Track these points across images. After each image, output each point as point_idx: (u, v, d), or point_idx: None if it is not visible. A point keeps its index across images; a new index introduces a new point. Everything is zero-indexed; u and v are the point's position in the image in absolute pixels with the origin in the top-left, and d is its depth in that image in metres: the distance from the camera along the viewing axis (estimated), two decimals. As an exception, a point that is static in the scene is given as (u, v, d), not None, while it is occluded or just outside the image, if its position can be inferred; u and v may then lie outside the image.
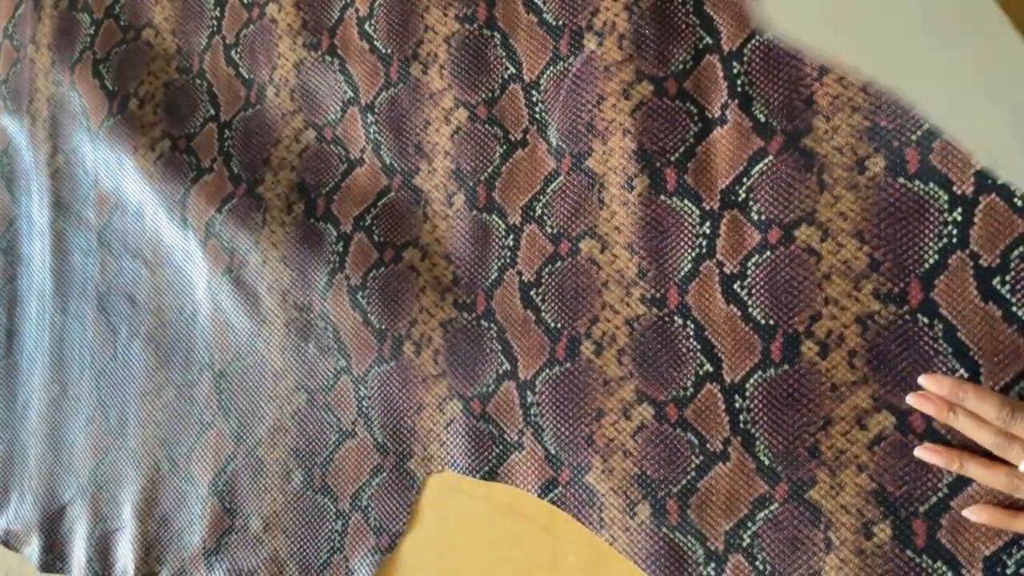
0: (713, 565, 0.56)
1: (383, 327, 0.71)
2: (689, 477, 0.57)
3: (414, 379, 0.69)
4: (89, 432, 0.91)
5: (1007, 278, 0.49)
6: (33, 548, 0.93)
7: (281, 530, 0.75)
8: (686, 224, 0.58)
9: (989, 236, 0.49)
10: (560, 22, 0.64)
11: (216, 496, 0.80)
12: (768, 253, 0.55)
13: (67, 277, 0.95)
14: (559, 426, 0.62)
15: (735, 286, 0.56)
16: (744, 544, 0.55)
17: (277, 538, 0.76)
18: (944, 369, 0.50)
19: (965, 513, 0.49)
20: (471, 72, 0.68)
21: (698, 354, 0.58)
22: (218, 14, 0.84)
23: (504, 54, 0.67)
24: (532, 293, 0.64)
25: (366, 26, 0.74)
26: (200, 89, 0.85)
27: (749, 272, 0.56)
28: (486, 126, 0.68)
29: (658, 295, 0.59)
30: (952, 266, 0.50)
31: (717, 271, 0.57)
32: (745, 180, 0.57)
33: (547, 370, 0.63)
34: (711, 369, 0.57)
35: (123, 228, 0.90)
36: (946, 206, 0.50)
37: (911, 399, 0.50)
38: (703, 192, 0.58)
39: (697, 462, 0.57)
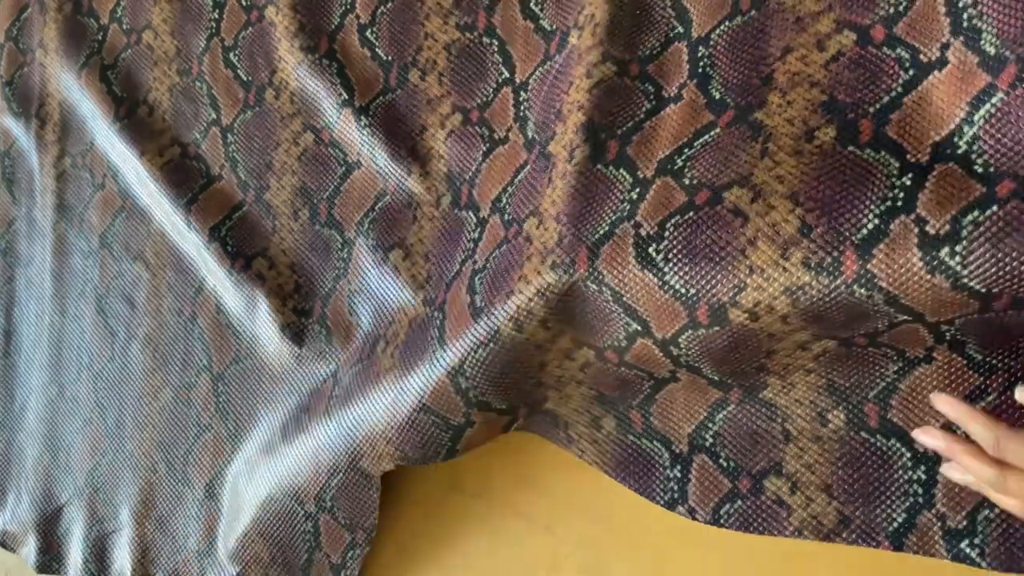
0: (679, 467, 0.58)
1: (372, 330, 0.71)
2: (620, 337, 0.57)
3: (374, 374, 0.68)
4: (86, 433, 0.91)
5: (957, 248, 0.44)
6: (30, 549, 0.93)
7: (259, 534, 0.76)
8: (616, 190, 0.56)
9: (939, 201, 0.45)
10: (554, 26, 0.64)
11: (213, 499, 0.80)
12: (691, 214, 0.52)
13: (66, 279, 0.94)
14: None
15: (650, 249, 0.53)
16: (707, 444, 0.57)
17: (256, 544, 0.76)
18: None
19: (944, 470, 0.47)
20: (470, 79, 0.69)
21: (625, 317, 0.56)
22: (217, 16, 0.84)
23: (500, 60, 0.68)
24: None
25: (367, 33, 0.74)
26: (200, 92, 0.85)
27: (667, 235, 0.53)
28: (475, 128, 0.68)
29: (568, 259, 0.56)
30: (894, 232, 0.46)
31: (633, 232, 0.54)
32: (687, 151, 0.54)
33: (479, 353, 0.62)
34: (639, 327, 0.55)
35: (127, 231, 0.90)
36: (896, 172, 0.47)
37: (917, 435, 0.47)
38: (640, 161, 0.56)
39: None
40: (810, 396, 0.54)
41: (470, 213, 0.67)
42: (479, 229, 0.65)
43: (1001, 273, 0.43)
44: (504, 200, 0.63)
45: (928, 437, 0.48)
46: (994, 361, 0.50)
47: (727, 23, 0.55)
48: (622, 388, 0.59)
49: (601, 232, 0.54)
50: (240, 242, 0.79)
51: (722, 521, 0.57)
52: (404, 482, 0.75)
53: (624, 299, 0.54)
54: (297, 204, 0.78)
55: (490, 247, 0.62)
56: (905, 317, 0.48)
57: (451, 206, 0.68)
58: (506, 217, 0.62)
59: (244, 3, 0.82)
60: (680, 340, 0.53)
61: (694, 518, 0.58)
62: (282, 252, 0.77)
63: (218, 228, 0.80)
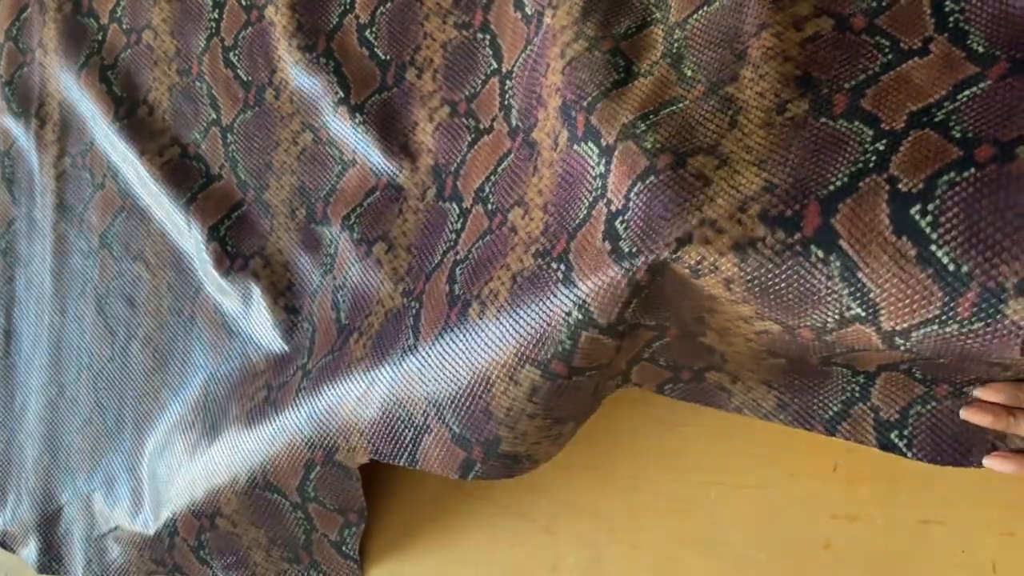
0: (619, 377, 0.59)
1: (347, 323, 0.71)
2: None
3: (344, 365, 0.68)
4: (86, 434, 0.91)
5: (929, 207, 0.43)
6: (31, 549, 0.93)
7: (251, 524, 0.76)
8: (588, 166, 0.54)
9: (914, 162, 0.44)
10: (533, 9, 0.63)
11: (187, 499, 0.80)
12: (652, 178, 0.50)
13: (66, 279, 0.95)
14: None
15: (616, 222, 0.52)
16: (645, 357, 0.57)
17: (250, 531, 0.76)
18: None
19: (987, 462, 0.49)
20: (462, 73, 0.69)
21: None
22: (216, 16, 0.84)
23: (491, 52, 0.67)
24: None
25: (366, 33, 0.74)
26: (200, 92, 0.85)
27: (631, 204, 0.51)
28: (462, 119, 0.68)
29: (549, 246, 0.55)
30: (864, 189, 0.44)
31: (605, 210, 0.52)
32: (651, 117, 0.52)
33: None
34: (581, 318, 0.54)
35: (127, 231, 0.90)
36: (869, 139, 0.46)
37: (965, 413, 0.48)
38: (604, 129, 0.53)
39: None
40: (750, 353, 0.53)
41: (453, 204, 0.66)
42: (462, 220, 0.64)
43: (974, 240, 0.41)
44: (487, 190, 0.62)
45: (1002, 461, 0.48)
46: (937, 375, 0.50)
47: (705, 8, 0.54)
48: (577, 401, 0.58)
49: (581, 216, 0.53)
50: (238, 241, 0.79)
51: (666, 393, 0.58)
52: (404, 482, 0.75)
53: (571, 274, 0.52)
54: (295, 203, 0.78)
55: (473, 237, 0.62)
56: (858, 311, 0.45)
57: (435, 198, 0.68)
58: (489, 207, 0.61)
59: (244, 3, 0.82)
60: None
61: (640, 386, 0.59)
62: (278, 251, 0.77)
63: (217, 228, 0.80)
